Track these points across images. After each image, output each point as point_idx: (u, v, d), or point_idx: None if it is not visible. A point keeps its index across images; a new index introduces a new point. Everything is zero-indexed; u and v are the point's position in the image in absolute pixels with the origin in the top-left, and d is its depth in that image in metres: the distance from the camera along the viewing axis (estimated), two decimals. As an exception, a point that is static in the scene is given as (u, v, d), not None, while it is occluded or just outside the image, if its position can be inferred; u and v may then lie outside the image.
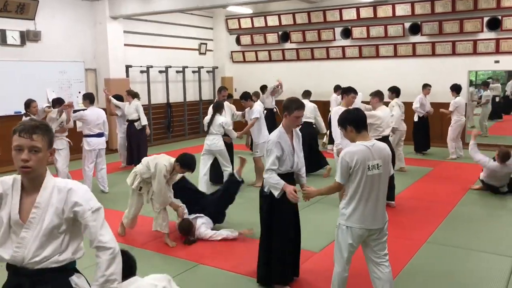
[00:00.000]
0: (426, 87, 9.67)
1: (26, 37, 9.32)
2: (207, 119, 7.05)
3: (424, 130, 9.84)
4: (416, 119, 9.67)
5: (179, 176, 5.27)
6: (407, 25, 11.11)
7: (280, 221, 3.85)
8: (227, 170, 7.04)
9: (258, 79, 12.62)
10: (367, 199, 3.20)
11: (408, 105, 9.14)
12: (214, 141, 6.89)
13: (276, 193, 3.69)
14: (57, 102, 7.07)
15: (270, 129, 5.23)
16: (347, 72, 11.87)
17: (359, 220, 3.21)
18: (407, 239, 5.09)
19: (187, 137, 13.13)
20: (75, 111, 7.28)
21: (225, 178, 7.07)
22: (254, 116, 7.41)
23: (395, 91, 8.18)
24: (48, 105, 7.85)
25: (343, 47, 12.08)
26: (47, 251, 2.10)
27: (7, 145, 7.42)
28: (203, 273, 4.35)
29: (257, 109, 7.48)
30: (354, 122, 3.28)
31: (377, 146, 3.27)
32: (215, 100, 8.19)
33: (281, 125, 3.86)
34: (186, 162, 4.94)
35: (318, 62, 12.57)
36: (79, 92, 10.32)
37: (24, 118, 6.77)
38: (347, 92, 6.15)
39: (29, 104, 6.89)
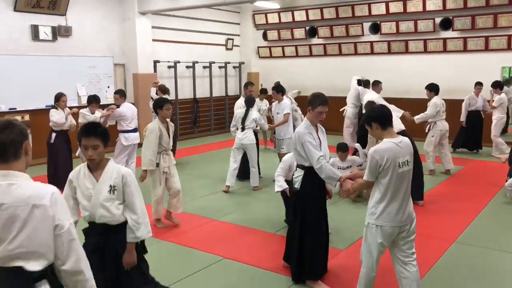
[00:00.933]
0: (476, 85, 9.36)
1: (58, 32, 9.52)
2: (240, 114, 7.06)
3: (471, 129, 9.45)
4: (462, 118, 9.36)
5: (171, 125, 5.33)
6: (438, 20, 10.86)
7: (312, 216, 3.86)
8: (254, 168, 7.06)
9: (284, 75, 12.60)
10: (398, 196, 3.17)
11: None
12: (246, 135, 6.93)
13: (333, 184, 3.77)
14: (94, 100, 7.17)
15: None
16: (375, 68, 11.70)
17: (390, 218, 3.17)
18: (436, 239, 4.99)
19: (213, 132, 13.19)
20: (106, 106, 7.37)
21: (251, 177, 7.09)
22: (286, 112, 7.38)
23: (433, 89, 7.56)
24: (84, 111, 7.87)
25: (371, 43, 11.91)
26: None
27: (38, 137, 7.61)
28: (228, 268, 4.36)
29: (287, 104, 7.45)
30: (379, 119, 3.24)
31: (405, 142, 3.24)
32: (241, 95, 8.19)
33: (305, 118, 3.90)
34: (158, 103, 5.17)
35: (346, 57, 12.43)
36: (108, 87, 10.51)
37: (51, 110, 6.95)
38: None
39: (59, 97, 7.03)
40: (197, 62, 12.62)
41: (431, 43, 11.05)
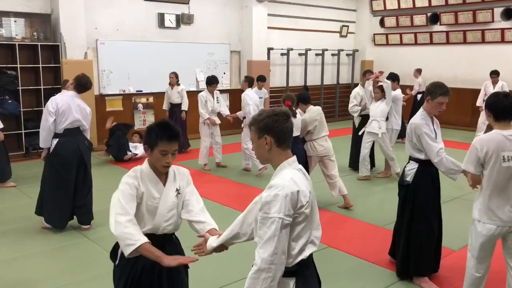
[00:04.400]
0: None
1: (181, 20, 10.14)
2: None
3: None
4: None
5: None
6: None
7: (423, 212, 3.71)
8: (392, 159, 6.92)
9: (400, 63, 12.05)
10: (501, 192, 2.94)
11: None
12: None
13: (454, 177, 3.57)
14: (214, 81, 7.55)
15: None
16: (506, 58, 10.66)
17: (491, 214, 2.97)
18: None
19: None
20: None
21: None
22: None
23: None
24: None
25: (502, 30, 10.84)
26: None
27: (159, 118, 8.19)
28: (333, 256, 4.35)
29: (394, 95, 7.16)
30: (493, 109, 3.00)
31: None
32: (359, 84, 8.02)
33: (422, 109, 3.69)
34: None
35: (471, 46, 11.49)
36: (224, 73, 10.97)
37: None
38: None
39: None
40: (309, 50, 12.58)
41: None
